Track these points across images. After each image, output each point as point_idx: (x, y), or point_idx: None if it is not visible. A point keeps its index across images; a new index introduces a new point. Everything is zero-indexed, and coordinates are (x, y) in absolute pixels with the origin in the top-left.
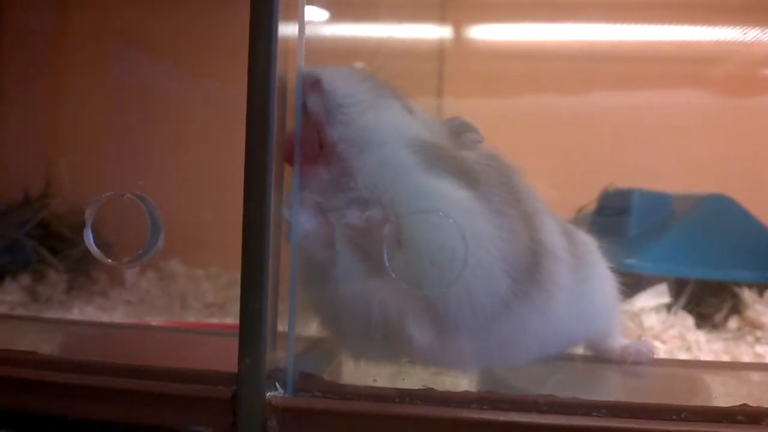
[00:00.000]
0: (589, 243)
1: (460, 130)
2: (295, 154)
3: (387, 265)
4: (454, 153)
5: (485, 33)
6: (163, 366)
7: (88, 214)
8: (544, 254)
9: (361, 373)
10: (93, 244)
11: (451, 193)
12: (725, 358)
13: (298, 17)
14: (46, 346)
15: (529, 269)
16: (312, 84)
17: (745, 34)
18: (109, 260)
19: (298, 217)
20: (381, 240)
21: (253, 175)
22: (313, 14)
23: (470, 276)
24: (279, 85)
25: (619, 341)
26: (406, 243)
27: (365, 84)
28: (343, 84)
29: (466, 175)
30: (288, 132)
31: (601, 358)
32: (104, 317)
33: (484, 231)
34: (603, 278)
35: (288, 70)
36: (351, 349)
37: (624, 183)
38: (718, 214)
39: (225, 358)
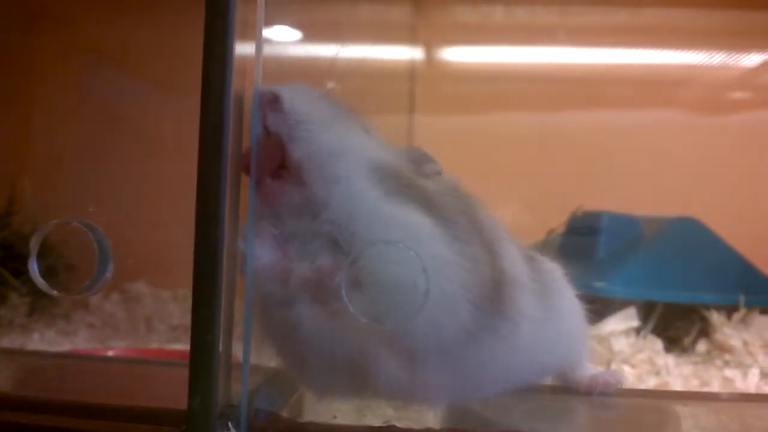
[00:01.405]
0: (555, 270)
1: (419, 160)
2: (251, 175)
3: (345, 299)
4: (416, 180)
5: (456, 54)
6: (108, 404)
7: (34, 243)
8: (508, 283)
9: (324, 407)
10: (38, 275)
11: (413, 219)
12: (694, 381)
13: (256, 36)
14: None
15: (493, 298)
16: (270, 101)
17: (711, 57)
18: (55, 291)
19: (253, 248)
20: (335, 285)
21: (205, 198)
22: (284, 34)
23: (432, 305)
24: (236, 105)
25: (587, 371)
26: (365, 277)
27: (324, 102)
28: (303, 101)
29: (428, 203)
30: (247, 147)
31: (569, 388)
32: (66, 342)
33: (447, 258)
34: (569, 306)
35: (247, 89)
36: (312, 386)
37: (594, 204)
38: (685, 237)
39: (180, 392)
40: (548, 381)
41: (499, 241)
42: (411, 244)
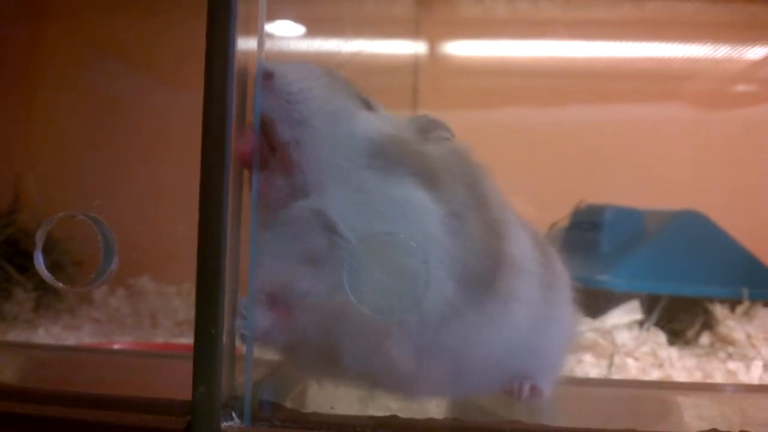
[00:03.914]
0: (564, 277)
1: (427, 127)
2: (254, 156)
3: (348, 292)
4: (416, 147)
5: (459, 49)
6: (114, 394)
7: (39, 236)
8: (506, 264)
9: (326, 398)
10: (43, 268)
11: (404, 196)
12: (698, 374)
13: (258, 31)
14: (3, 372)
15: (486, 277)
16: (265, 78)
17: (716, 50)
18: (60, 284)
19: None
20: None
21: (208, 193)
22: (287, 29)
23: (415, 281)
24: (238, 101)
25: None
26: (363, 270)
27: (322, 79)
28: (297, 79)
29: (426, 174)
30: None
31: (572, 379)
32: (71, 337)
33: (437, 238)
34: (563, 318)
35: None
36: (308, 372)
37: (598, 198)
38: (689, 230)
39: (184, 384)
40: None
41: (505, 222)
42: (401, 226)
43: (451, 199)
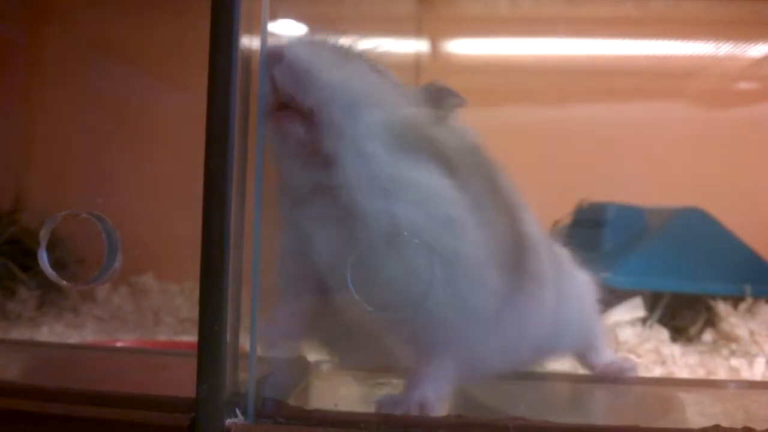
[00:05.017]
0: (565, 254)
1: (438, 95)
2: (258, 120)
3: (352, 289)
4: (429, 132)
5: (461, 47)
6: (118, 392)
7: (43, 235)
8: (529, 247)
9: (329, 395)
10: (48, 266)
11: (431, 182)
12: (700, 371)
13: (261, 30)
14: (7, 370)
15: (518, 261)
16: (276, 57)
17: (719, 48)
18: (64, 282)
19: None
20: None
21: (212, 191)
22: (289, 28)
23: (461, 272)
24: (241, 99)
25: (603, 357)
26: (371, 266)
27: (331, 49)
28: (308, 51)
29: (445, 162)
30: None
31: (576, 376)
32: (74, 335)
33: (468, 222)
34: (580, 289)
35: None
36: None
37: (601, 196)
38: (691, 227)
39: (188, 381)
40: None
41: (519, 206)
42: (430, 208)
43: (471, 188)
